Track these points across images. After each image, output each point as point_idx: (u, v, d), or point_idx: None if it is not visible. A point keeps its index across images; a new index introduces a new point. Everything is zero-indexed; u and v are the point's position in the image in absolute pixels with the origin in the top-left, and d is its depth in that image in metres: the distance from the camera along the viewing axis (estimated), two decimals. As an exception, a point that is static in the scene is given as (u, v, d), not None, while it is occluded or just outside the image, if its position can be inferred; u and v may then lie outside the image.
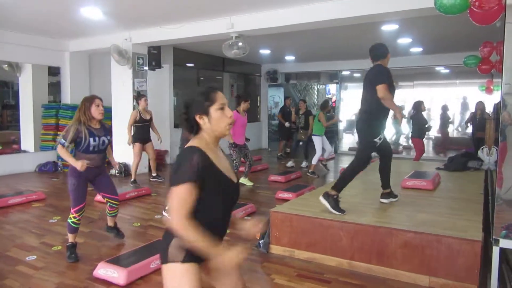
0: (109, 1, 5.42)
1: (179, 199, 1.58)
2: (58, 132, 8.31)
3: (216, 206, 1.70)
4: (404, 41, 8.14)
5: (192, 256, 1.64)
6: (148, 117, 6.80)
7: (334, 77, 12.69)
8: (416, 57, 10.03)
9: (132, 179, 6.83)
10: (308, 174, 7.80)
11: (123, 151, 7.96)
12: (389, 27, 6.78)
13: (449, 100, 10.66)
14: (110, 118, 8.33)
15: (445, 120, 10.49)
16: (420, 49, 9.24)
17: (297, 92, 15.01)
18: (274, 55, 10.62)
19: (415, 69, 10.80)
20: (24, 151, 8.28)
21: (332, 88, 15.02)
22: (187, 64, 10.24)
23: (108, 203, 3.89)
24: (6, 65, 8.14)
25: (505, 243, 2.80)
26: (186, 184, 1.57)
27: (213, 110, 1.68)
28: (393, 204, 4.06)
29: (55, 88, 8.81)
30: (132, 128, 6.71)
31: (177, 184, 1.58)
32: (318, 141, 7.83)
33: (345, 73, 12.14)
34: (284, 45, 9.16)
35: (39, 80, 8.48)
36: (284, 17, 5.76)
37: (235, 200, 1.82)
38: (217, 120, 1.69)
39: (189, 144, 1.68)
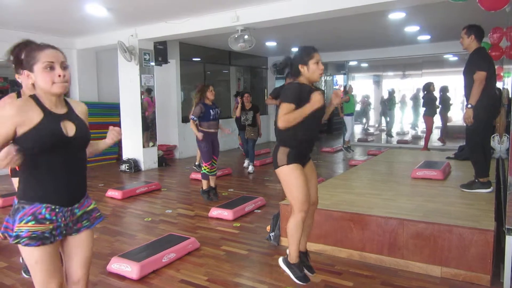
0: (114, -3, 5.43)
1: (284, 110, 2.39)
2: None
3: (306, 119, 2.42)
4: (411, 29, 8.03)
5: (293, 159, 2.51)
6: None
7: (341, 67, 12.60)
8: (424, 45, 9.90)
9: (196, 163, 7.63)
10: (343, 149, 9.46)
11: (132, 146, 8.04)
12: (396, 15, 6.68)
13: (460, 88, 10.52)
14: (118, 115, 8.40)
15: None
16: (428, 37, 9.11)
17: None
18: (280, 47, 10.56)
19: (423, 57, 10.66)
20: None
21: (339, 79, 14.93)
22: (194, 59, 10.23)
23: (212, 162, 5.31)
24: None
25: (518, 232, 2.77)
26: (287, 104, 2.40)
27: (311, 63, 2.48)
28: (404, 195, 4.04)
29: (63, 86, 8.86)
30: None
31: (285, 102, 2.42)
32: (349, 120, 9.38)
33: (352, 63, 12.03)
34: (290, 37, 9.09)
35: (48, 78, 8.52)
36: (290, 8, 5.71)
37: (321, 115, 2.61)
38: (313, 70, 2.49)
39: (293, 81, 2.53)
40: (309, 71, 2.49)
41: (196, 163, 7.67)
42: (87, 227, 1.86)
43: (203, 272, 3.22)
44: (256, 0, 5.73)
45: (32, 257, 1.68)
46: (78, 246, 1.85)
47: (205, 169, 5.28)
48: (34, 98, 1.70)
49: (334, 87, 15.50)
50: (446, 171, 4.94)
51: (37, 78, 1.66)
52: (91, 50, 8.77)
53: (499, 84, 8.59)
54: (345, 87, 10.06)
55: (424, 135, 9.10)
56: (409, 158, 6.44)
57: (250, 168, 7.43)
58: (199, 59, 10.39)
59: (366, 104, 12.81)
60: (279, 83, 13.39)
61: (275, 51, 11.34)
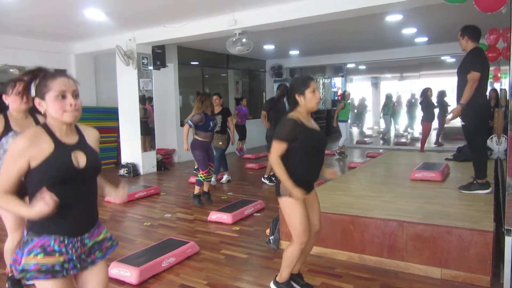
0: (111, 2, 5.44)
1: (275, 148, 2.47)
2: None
3: (305, 152, 2.50)
4: (409, 31, 8.06)
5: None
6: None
7: (339, 70, 12.64)
8: (421, 47, 9.94)
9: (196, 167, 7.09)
10: (336, 153, 9.33)
11: (130, 150, 8.03)
12: (393, 18, 6.71)
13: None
14: (116, 119, 8.40)
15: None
16: (425, 39, 9.14)
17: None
18: (278, 50, 10.58)
19: (421, 59, 10.70)
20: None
21: (337, 81, 14.96)
22: (192, 62, 10.25)
23: (209, 170, 5.29)
24: (16, 69, 8.20)
25: (517, 233, 2.77)
26: (281, 142, 2.47)
27: (308, 92, 2.50)
28: (403, 196, 4.04)
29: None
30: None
31: (276, 139, 2.48)
32: (343, 127, 9.29)
33: (350, 65, 12.07)
34: (288, 40, 9.12)
35: (46, 83, 8.53)
36: (287, 12, 5.72)
37: (321, 147, 2.63)
38: (309, 99, 2.51)
39: (289, 115, 2.54)
40: (306, 100, 2.51)
41: (196, 167, 7.66)
42: (100, 258, 1.81)
43: (203, 276, 3.21)
44: (253, 4, 5.75)
45: None
46: (94, 279, 1.80)
47: (201, 176, 5.28)
48: (45, 127, 1.68)
49: (332, 89, 15.53)
50: (445, 172, 4.95)
51: (48, 107, 1.64)
52: (89, 55, 8.78)
53: (496, 85, 8.65)
54: (344, 92, 10.04)
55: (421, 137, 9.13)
56: (408, 160, 6.45)
57: (225, 178, 6.89)
58: (197, 62, 10.41)
59: (362, 107, 12.85)
60: (277, 86, 13.43)
61: (273, 54, 11.37)
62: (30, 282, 1.64)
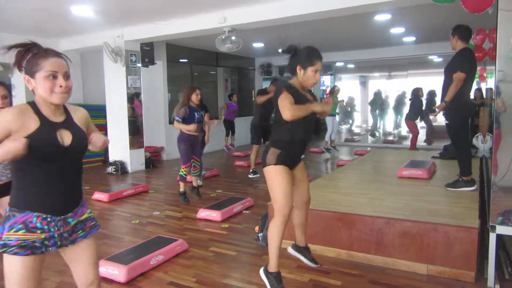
0: (100, -2, 5.38)
1: (285, 100, 2.38)
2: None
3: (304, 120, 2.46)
4: (397, 30, 8.13)
5: (281, 161, 2.51)
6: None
7: (328, 68, 12.67)
8: (409, 46, 10.03)
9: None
10: (324, 149, 9.32)
11: (118, 148, 7.95)
12: (382, 17, 6.77)
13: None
14: (104, 117, 8.31)
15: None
16: (413, 38, 9.24)
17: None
18: (267, 48, 10.58)
19: (409, 59, 10.80)
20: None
21: (326, 79, 15.01)
22: (181, 60, 10.19)
23: (193, 164, 5.30)
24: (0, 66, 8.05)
25: (501, 230, 2.83)
26: (286, 92, 2.41)
27: (310, 69, 2.44)
28: (390, 194, 4.08)
29: (48, 87, 8.73)
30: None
31: (285, 91, 2.42)
32: (330, 121, 9.20)
33: (339, 64, 12.13)
34: (277, 38, 9.12)
35: (31, 79, 8.40)
36: (277, 10, 5.73)
37: (311, 117, 2.53)
38: (308, 77, 2.46)
39: (288, 81, 2.51)
40: (305, 76, 2.47)
41: None
42: (82, 237, 1.80)
43: (191, 273, 3.20)
44: (243, 2, 5.74)
45: (13, 265, 1.61)
46: (79, 256, 1.81)
47: (182, 171, 5.25)
48: (32, 105, 1.66)
49: (320, 87, 15.59)
50: (432, 170, 5.01)
51: (37, 86, 1.62)
52: (76, 51, 8.65)
53: (482, 85, 8.79)
54: (333, 87, 10.10)
55: (410, 135, 9.20)
56: (395, 158, 6.52)
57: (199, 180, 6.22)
58: (186, 60, 10.35)
59: (351, 105, 12.92)
60: (266, 84, 13.40)
61: (262, 52, 11.36)
62: (10, 257, 1.62)
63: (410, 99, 9.04)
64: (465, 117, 4.02)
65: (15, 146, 1.51)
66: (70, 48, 8.38)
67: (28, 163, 1.62)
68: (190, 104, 5.19)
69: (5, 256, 1.63)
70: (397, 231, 3.19)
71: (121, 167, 7.73)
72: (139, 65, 7.98)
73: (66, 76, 1.66)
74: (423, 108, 8.95)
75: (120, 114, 7.87)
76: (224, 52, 7.94)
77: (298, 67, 2.48)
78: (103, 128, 8.53)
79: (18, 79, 8.34)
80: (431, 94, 9.62)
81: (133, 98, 7.96)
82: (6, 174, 2.75)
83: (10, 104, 2.74)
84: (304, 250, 2.88)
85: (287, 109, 2.35)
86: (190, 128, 5.10)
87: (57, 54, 1.67)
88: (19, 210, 1.64)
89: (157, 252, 3.39)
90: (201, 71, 11.33)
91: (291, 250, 2.94)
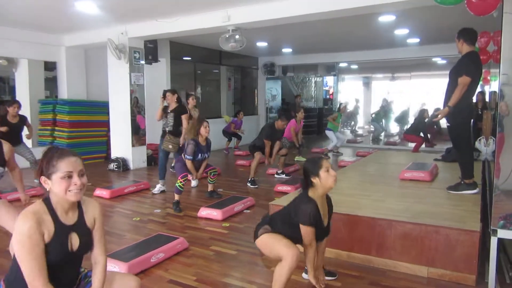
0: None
1: (308, 233, 2.54)
2: (56, 128, 8.29)
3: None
4: (401, 32, 8.12)
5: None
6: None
7: (331, 69, 12.67)
8: (413, 48, 10.02)
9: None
10: (324, 155, 9.09)
11: (120, 145, 7.97)
12: (386, 18, 6.75)
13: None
14: (107, 113, 8.32)
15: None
16: (417, 40, 9.22)
17: (294, 85, 14.99)
18: (271, 47, 10.58)
19: (412, 60, 10.78)
20: (22, 147, 8.24)
21: (329, 80, 15.01)
22: (184, 58, 10.19)
23: (212, 173, 5.41)
24: (4, 60, 8.09)
25: (502, 233, 2.82)
26: (311, 227, 2.53)
27: (322, 172, 2.52)
28: (392, 196, 4.08)
29: (51, 83, 8.77)
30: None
31: (305, 225, 2.52)
32: (331, 134, 9.49)
33: (342, 65, 12.12)
34: (281, 38, 9.13)
35: (36, 75, 8.44)
36: (281, 9, 5.72)
37: (322, 237, 2.71)
38: (325, 178, 2.52)
39: (309, 196, 2.58)
40: (322, 181, 2.53)
41: (172, 164, 7.60)
42: None
43: (192, 272, 3.21)
44: (247, 1, 5.73)
45: None
46: None
47: (179, 183, 4.91)
48: (47, 204, 1.71)
49: (323, 88, 15.59)
50: (434, 172, 5.01)
51: (53, 186, 1.68)
52: (80, 48, 8.67)
53: (486, 88, 8.76)
54: (340, 104, 10.27)
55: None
56: (397, 160, 6.51)
57: (157, 188, 5.91)
58: (189, 58, 10.35)
59: (355, 108, 12.92)
60: (269, 84, 13.46)
61: (266, 51, 11.36)
62: None
63: (414, 119, 9.14)
64: (466, 120, 4.00)
65: None
66: (74, 44, 8.41)
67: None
68: (199, 140, 5.10)
69: None
70: (398, 233, 3.18)
71: (123, 164, 7.74)
72: (143, 62, 7.99)
73: (81, 174, 1.71)
74: (424, 128, 8.95)
75: (123, 111, 7.88)
76: (227, 51, 7.93)
77: (312, 178, 2.55)
78: (105, 125, 8.55)
79: (22, 74, 8.37)
80: (436, 111, 9.56)
81: (134, 112, 7.94)
82: None
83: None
84: (321, 270, 2.90)
85: (308, 245, 2.58)
86: (195, 177, 5.23)
87: (71, 154, 1.72)
88: None
89: (158, 250, 3.40)
90: (204, 69, 11.33)
91: (305, 276, 3.00)
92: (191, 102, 7.08)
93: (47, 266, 1.64)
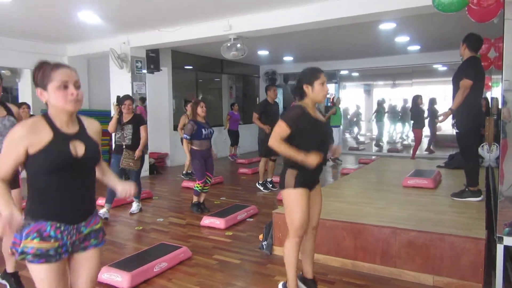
0: (106, 5, 5.42)
1: (278, 130, 2.47)
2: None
3: (309, 142, 2.47)
4: (401, 39, 8.15)
5: (300, 183, 2.50)
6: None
7: (332, 76, 12.69)
8: (414, 55, 10.05)
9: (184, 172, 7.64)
10: (330, 159, 8.96)
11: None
12: (386, 26, 6.79)
13: (449, 98, 10.65)
14: (108, 122, 8.32)
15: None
16: (418, 47, 9.25)
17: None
18: (272, 56, 10.63)
19: (413, 67, 10.81)
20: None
21: (330, 87, 15.02)
22: (186, 67, 10.24)
23: (206, 180, 5.14)
24: (7, 71, 8.14)
25: (509, 241, 2.80)
26: (284, 123, 2.46)
27: (317, 83, 2.48)
28: (395, 203, 4.06)
29: (54, 93, 8.81)
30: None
31: (281, 121, 2.47)
32: (335, 132, 9.24)
33: (343, 72, 12.15)
34: (282, 46, 9.17)
35: (38, 85, 8.48)
36: (282, 18, 5.76)
37: (326, 138, 2.64)
38: (317, 91, 2.49)
39: (296, 103, 2.55)
40: (314, 91, 2.49)
41: (184, 172, 7.65)
42: (94, 245, 1.84)
43: (195, 281, 3.18)
44: (248, 9, 5.77)
45: (38, 274, 1.67)
46: (85, 263, 1.82)
47: (197, 187, 5.12)
48: (46, 117, 1.71)
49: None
50: (437, 179, 4.98)
51: (50, 97, 1.67)
52: (82, 57, 8.72)
53: (487, 94, 8.76)
54: (332, 98, 10.18)
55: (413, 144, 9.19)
56: (400, 167, 6.49)
57: (135, 207, 5.31)
58: (191, 67, 10.40)
59: (356, 114, 12.93)
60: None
61: (267, 59, 11.41)
62: (31, 265, 1.67)
63: (410, 109, 9.06)
64: (475, 127, 3.98)
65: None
66: (77, 54, 8.47)
67: (43, 173, 1.66)
68: (197, 120, 5.06)
69: (28, 265, 1.67)
70: (403, 241, 3.16)
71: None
72: (145, 71, 8.02)
73: (77, 85, 1.70)
74: (426, 115, 8.96)
75: (136, 117, 7.88)
76: (229, 59, 7.97)
77: (305, 86, 2.51)
78: (107, 134, 8.55)
79: (25, 84, 8.42)
80: (432, 102, 9.59)
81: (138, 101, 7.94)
82: None
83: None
84: (311, 284, 2.80)
85: (272, 140, 2.47)
86: (188, 157, 5.09)
87: (66, 66, 1.72)
88: (33, 219, 1.67)
89: (160, 259, 3.38)
90: (206, 78, 11.37)
91: (300, 284, 2.91)
92: (200, 111, 6.89)
93: (54, 172, 1.66)
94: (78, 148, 1.72)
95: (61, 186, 1.69)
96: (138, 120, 5.11)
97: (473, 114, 3.84)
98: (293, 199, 2.51)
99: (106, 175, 2.00)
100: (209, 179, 5.24)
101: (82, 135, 1.77)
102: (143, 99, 8.08)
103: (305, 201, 2.52)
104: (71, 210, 1.73)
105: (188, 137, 4.99)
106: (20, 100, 8.42)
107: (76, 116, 1.80)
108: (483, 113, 5.21)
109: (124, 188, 1.92)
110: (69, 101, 1.67)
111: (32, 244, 1.63)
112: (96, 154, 1.82)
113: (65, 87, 1.66)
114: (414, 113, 8.75)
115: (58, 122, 1.71)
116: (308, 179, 2.54)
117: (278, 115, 6.39)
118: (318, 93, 2.49)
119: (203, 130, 5.03)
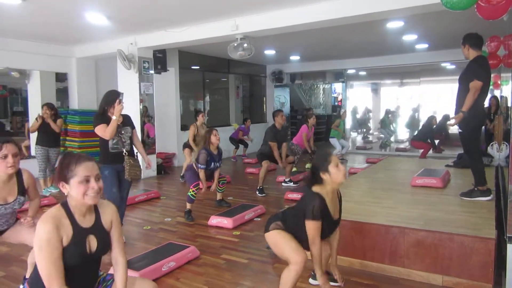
0: (113, 6, 5.45)
1: (313, 228, 2.48)
2: (67, 138, 8.38)
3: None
4: (409, 37, 8.08)
5: (284, 230, 2.61)
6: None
7: (339, 76, 12.66)
8: (422, 53, 9.97)
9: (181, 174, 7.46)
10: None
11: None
12: (394, 24, 6.74)
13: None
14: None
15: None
16: (426, 45, 9.18)
17: (303, 92, 15.00)
18: (279, 55, 10.62)
19: (421, 66, 10.72)
20: (34, 157, 8.33)
21: (337, 87, 14.98)
22: (193, 67, 10.27)
23: (221, 181, 5.27)
24: (16, 72, 8.23)
25: (519, 241, 2.76)
26: (314, 222, 2.47)
27: (331, 167, 2.50)
28: (404, 203, 4.03)
29: (62, 94, 8.89)
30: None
31: (312, 219, 2.47)
32: (335, 141, 9.59)
33: (350, 71, 12.10)
34: (289, 45, 9.15)
35: (47, 86, 8.56)
36: (289, 17, 5.75)
37: (328, 232, 2.65)
38: (335, 174, 2.51)
39: (315, 190, 2.53)
40: (331, 176, 2.52)
41: (182, 174, 7.59)
42: None
43: (203, 281, 3.19)
44: (255, 9, 5.77)
45: None
46: None
47: (191, 192, 4.91)
48: (65, 207, 1.77)
49: (332, 95, 15.56)
50: (446, 179, 4.94)
51: (71, 190, 1.74)
52: (90, 58, 8.80)
53: (496, 92, 8.66)
54: (340, 110, 10.28)
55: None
56: (408, 166, 6.44)
57: None
58: (198, 67, 10.42)
59: (365, 115, 12.88)
60: (278, 91, 13.48)
61: (274, 59, 11.40)
62: None
63: (422, 125, 9.09)
64: (478, 126, 3.96)
65: None
66: (85, 55, 8.54)
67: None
68: (210, 149, 5.01)
69: None
70: (411, 241, 3.14)
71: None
72: (152, 71, 8.06)
73: (97, 178, 1.77)
74: (433, 134, 8.90)
75: (133, 120, 7.92)
76: (235, 59, 7.97)
77: (322, 174, 2.54)
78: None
79: (34, 85, 8.50)
80: (445, 118, 9.49)
81: (144, 121, 7.99)
82: (7, 225, 2.80)
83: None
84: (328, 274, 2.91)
85: (313, 241, 2.49)
86: (204, 186, 5.01)
87: (88, 159, 1.78)
88: None
89: (169, 259, 3.39)
90: (212, 78, 11.40)
91: (312, 281, 3.02)
92: (200, 119, 6.99)
93: (66, 269, 1.69)
94: (92, 244, 1.80)
95: (70, 277, 1.73)
96: (130, 121, 4.28)
97: (477, 113, 3.81)
98: (275, 237, 2.60)
99: (115, 270, 2.00)
100: (223, 179, 5.33)
101: (96, 227, 1.85)
102: (149, 117, 8.13)
103: (289, 237, 2.57)
104: None
105: (204, 166, 4.95)
106: (30, 102, 8.51)
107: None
108: (486, 112, 5.17)
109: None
110: (89, 196, 1.74)
111: None
112: (107, 247, 1.91)
113: (87, 181, 1.73)
114: (423, 130, 8.76)
115: (77, 213, 1.78)
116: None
117: (286, 140, 6.66)
118: (336, 176, 2.52)
119: (212, 164, 5.05)
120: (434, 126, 8.84)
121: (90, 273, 1.87)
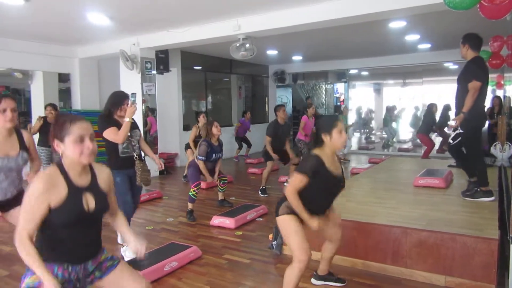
0: (114, 6, 5.46)
1: (295, 180, 2.49)
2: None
3: (317, 193, 2.55)
4: (412, 37, 8.06)
5: (294, 213, 2.55)
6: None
7: (342, 76, 12.64)
8: (424, 53, 9.94)
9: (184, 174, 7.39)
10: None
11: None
12: (397, 24, 6.72)
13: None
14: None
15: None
16: (428, 45, 9.15)
17: (305, 92, 14.98)
18: (281, 55, 10.61)
19: (424, 66, 10.69)
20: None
21: (340, 87, 14.95)
22: (195, 67, 10.28)
23: (222, 181, 5.37)
24: (19, 73, 8.27)
25: (522, 241, 2.75)
26: (300, 175, 2.48)
27: (335, 132, 2.50)
28: (406, 203, 4.02)
29: (65, 94, 8.92)
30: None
31: (299, 172, 2.50)
32: None
33: (353, 71, 12.09)
34: (291, 45, 9.15)
35: (50, 86, 8.60)
36: (291, 18, 5.74)
37: (335, 191, 2.66)
38: (336, 139, 2.50)
39: (314, 151, 2.55)
40: (332, 140, 2.51)
41: (184, 174, 7.61)
42: (98, 277, 1.90)
43: (205, 281, 3.20)
44: (257, 9, 5.77)
45: None
46: (121, 276, 1.92)
47: (192, 192, 4.96)
48: (60, 168, 1.77)
49: (334, 95, 15.54)
50: (449, 179, 4.93)
51: (66, 149, 1.73)
52: (93, 59, 8.82)
53: (499, 92, 8.64)
54: (340, 107, 10.18)
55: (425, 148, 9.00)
56: (411, 166, 6.43)
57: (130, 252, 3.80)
58: (200, 67, 10.43)
59: (368, 115, 12.87)
60: (280, 91, 13.48)
61: (276, 59, 11.40)
62: None
63: (424, 115, 8.99)
64: (478, 127, 3.95)
65: None
66: (87, 56, 8.56)
67: (55, 226, 1.73)
68: (211, 141, 5.06)
69: None
70: (414, 241, 3.13)
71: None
72: (154, 72, 8.07)
73: (92, 138, 1.77)
74: (436, 121, 8.77)
75: (136, 120, 7.94)
76: (238, 59, 7.97)
77: (323, 135, 2.53)
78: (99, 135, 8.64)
79: (37, 86, 8.54)
80: (446, 108, 9.45)
81: (147, 112, 8.00)
82: (15, 188, 2.79)
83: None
84: (328, 277, 2.98)
85: (289, 191, 2.49)
86: (208, 179, 5.11)
87: (83, 119, 1.78)
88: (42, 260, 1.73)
89: (171, 259, 3.40)
90: (215, 78, 11.41)
91: (315, 281, 3.05)
92: (202, 120, 6.97)
93: (65, 230, 1.72)
94: (89, 202, 1.79)
95: (71, 236, 1.76)
96: (136, 124, 4.11)
97: (477, 113, 3.80)
98: (286, 224, 2.57)
99: (116, 221, 2.07)
100: (224, 179, 5.38)
101: (93, 187, 1.84)
102: (152, 110, 8.14)
103: (298, 225, 2.54)
104: (80, 254, 1.81)
105: (203, 158, 4.98)
106: (33, 103, 8.54)
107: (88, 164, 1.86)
108: (486, 113, 5.16)
109: (136, 246, 1.98)
110: (84, 155, 1.73)
111: (39, 279, 1.68)
112: (106, 206, 1.90)
113: (82, 140, 1.73)
114: (426, 120, 8.65)
115: (72, 173, 1.77)
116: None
117: (288, 135, 6.52)
118: (336, 141, 2.51)
119: (213, 155, 5.07)
120: (439, 115, 8.79)
121: (89, 236, 1.85)
